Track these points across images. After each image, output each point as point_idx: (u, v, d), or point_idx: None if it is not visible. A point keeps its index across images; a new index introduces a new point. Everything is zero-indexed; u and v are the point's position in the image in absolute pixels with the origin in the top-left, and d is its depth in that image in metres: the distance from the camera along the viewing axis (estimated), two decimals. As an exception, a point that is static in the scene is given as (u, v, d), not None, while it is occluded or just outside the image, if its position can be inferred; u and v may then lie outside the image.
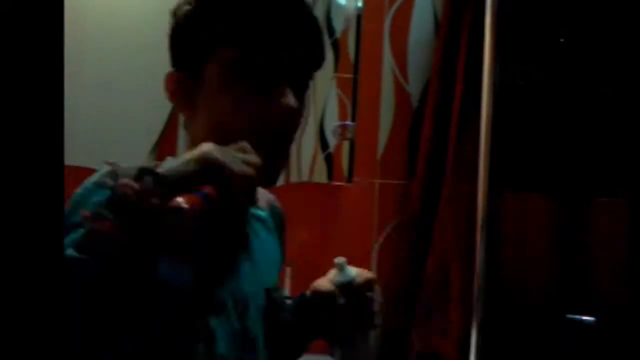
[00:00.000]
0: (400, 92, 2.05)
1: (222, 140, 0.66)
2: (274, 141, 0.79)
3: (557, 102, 1.97)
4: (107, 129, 1.77)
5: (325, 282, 0.91)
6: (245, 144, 0.66)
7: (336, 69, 1.98)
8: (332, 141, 1.97)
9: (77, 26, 1.72)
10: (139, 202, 0.56)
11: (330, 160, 1.97)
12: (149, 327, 0.65)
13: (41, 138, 0.54)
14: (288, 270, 1.75)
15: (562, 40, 2.02)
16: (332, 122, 1.98)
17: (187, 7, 0.82)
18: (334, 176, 1.97)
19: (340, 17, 1.99)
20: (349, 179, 1.97)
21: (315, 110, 1.96)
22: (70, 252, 0.56)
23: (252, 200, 0.89)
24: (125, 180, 0.57)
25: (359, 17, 1.99)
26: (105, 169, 0.75)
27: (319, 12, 1.97)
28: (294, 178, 1.94)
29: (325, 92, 1.98)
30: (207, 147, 0.63)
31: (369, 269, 2.04)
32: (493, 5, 1.73)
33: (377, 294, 0.91)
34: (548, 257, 1.92)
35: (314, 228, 1.92)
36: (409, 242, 1.95)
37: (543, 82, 2.00)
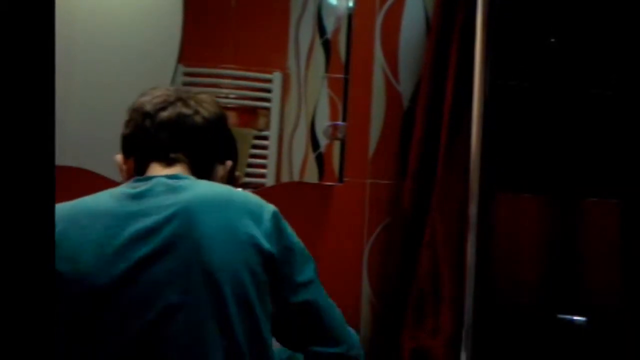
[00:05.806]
0: (392, 92, 2.05)
1: None
2: None
3: (548, 102, 1.98)
4: (98, 129, 1.76)
5: None
6: None
7: (327, 69, 1.98)
8: (323, 141, 1.97)
9: (69, 26, 1.71)
10: None
11: (321, 160, 1.97)
12: None
13: (32, 138, 0.53)
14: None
15: (553, 40, 2.02)
16: (323, 122, 1.97)
17: None
18: (325, 176, 1.97)
19: (331, 16, 1.99)
20: (340, 179, 1.97)
21: (306, 110, 1.96)
22: None
23: None
24: None
25: (350, 17, 1.99)
26: None
27: (310, 12, 1.97)
28: (285, 178, 1.93)
29: (316, 92, 1.97)
30: None
31: (360, 269, 2.05)
32: (484, 5, 1.73)
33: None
34: (539, 257, 1.92)
35: (304, 228, 1.91)
36: (400, 241, 1.95)
37: (534, 82, 2.00)
